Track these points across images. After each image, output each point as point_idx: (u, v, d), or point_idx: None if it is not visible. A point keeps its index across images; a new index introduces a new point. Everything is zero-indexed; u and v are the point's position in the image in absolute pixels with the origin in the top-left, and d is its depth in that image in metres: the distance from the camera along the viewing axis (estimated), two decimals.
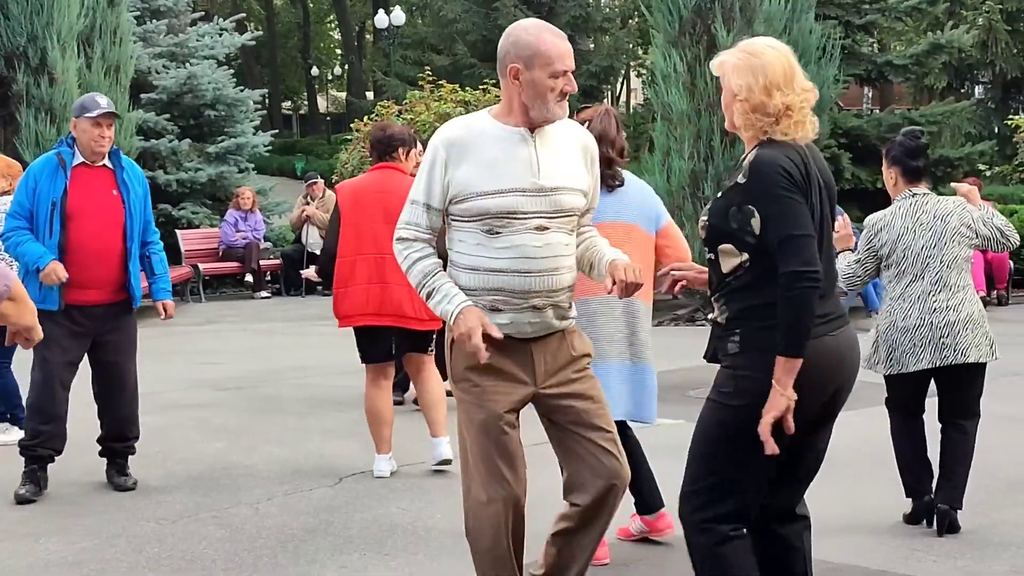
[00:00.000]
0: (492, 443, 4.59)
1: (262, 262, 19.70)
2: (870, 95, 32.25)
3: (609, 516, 4.79)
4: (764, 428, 4.07)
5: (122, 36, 18.31)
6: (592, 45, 38.49)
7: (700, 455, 4.30)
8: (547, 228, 4.50)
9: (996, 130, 26.36)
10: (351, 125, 22.63)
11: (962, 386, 6.67)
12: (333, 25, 66.72)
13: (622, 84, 51.75)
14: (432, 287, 4.53)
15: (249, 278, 19.68)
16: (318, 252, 19.48)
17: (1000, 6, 28.76)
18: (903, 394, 6.86)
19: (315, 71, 64.30)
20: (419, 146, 8.50)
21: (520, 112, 4.51)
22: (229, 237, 19.55)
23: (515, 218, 4.46)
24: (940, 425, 6.77)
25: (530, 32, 4.51)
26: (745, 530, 4.29)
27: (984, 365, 6.66)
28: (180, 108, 20.68)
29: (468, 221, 4.51)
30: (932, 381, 6.77)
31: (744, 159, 4.25)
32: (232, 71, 22.22)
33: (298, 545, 6.48)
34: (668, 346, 10.73)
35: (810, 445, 4.38)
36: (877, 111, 24.85)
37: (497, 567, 4.72)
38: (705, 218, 4.32)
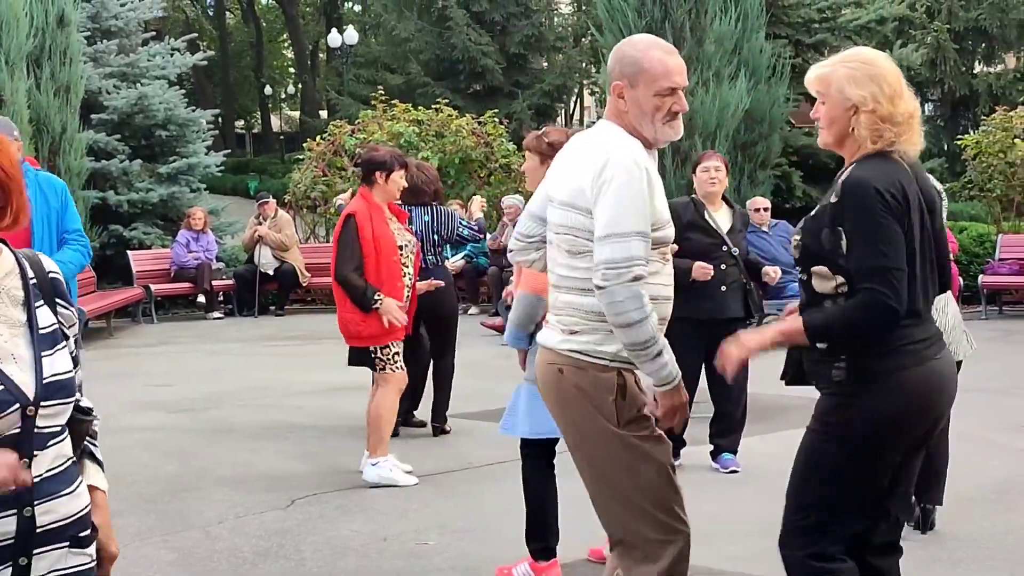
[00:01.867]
0: (674, 485, 4.33)
1: (214, 282, 19.59)
2: None
3: None
4: (733, 352, 4.08)
5: (72, 56, 18.20)
6: (545, 64, 38.61)
7: (807, 488, 4.14)
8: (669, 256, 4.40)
9: (946, 147, 26.60)
10: (304, 144, 22.60)
11: None
12: (286, 44, 66.61)
13: (575, 102, 51.90)
14: (663, 344, 4.12)
15: (201, 299, 19.55)
16: (271, 272, 19.50)
17: (948, 25, 29.07)
18: None
19: (268, 90, 64.19)
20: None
21: (637, 135, 4.25)
22: (181, 258, 19.45)
23: (667, 245, 4.36)
24: None
25: (637, 48, 4.29)
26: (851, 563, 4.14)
27: (961, 363, 6.81)
28: (131, 128, 20.56)
29: (654, 248, 4.22)
30: None
31: (839, 177, 4.07)
32: (184, 91, 22.15)
33: (249, 568, 6.45)
34: None
35: (907, 473, 4.20)
36: None
37: None
38: (798, 238, 4.15)
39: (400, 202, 9.27)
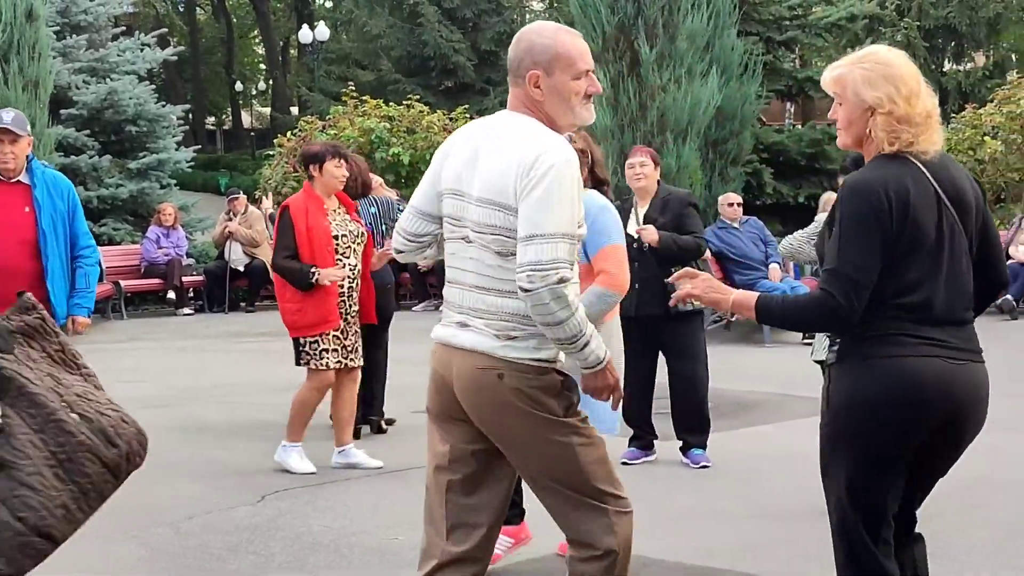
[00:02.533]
0: (610, 464, 4.32)
1: (184, 279, 19.56)
2: (791, 110, 32.50)
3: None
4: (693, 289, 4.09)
5: (41, 51, 18.11)
6: None
7: (833, 477, 4.09)
8: (471, 242, 4.27)
9: None
10: (275, 140, 22.55)
11: None
12: (257, 40, 66.35)
13: None
14: (588, 335, 4.08)
15: (171, 295, 19.52)
16: (241, 268, 19.46)
17: (918, 23, 29.20)
18: None
19: (239, 86, 63.90)
20: (338, 159, 8.42)
21: (549, 124, 4.17)
22: (151, 254, 19.39)
23: (451, 223, 4.31)
24: None
25: (545, 35, 4.20)
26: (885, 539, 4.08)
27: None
28: (101, 124, 20.50)
29: None
30: None
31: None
32: (154, 87, 22.08)
33: (219, 564, 6.43)
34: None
35: (928, 470, 4.14)
36: (798, 126, 25.09)
37: None
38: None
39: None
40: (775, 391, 11.21)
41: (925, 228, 3.86)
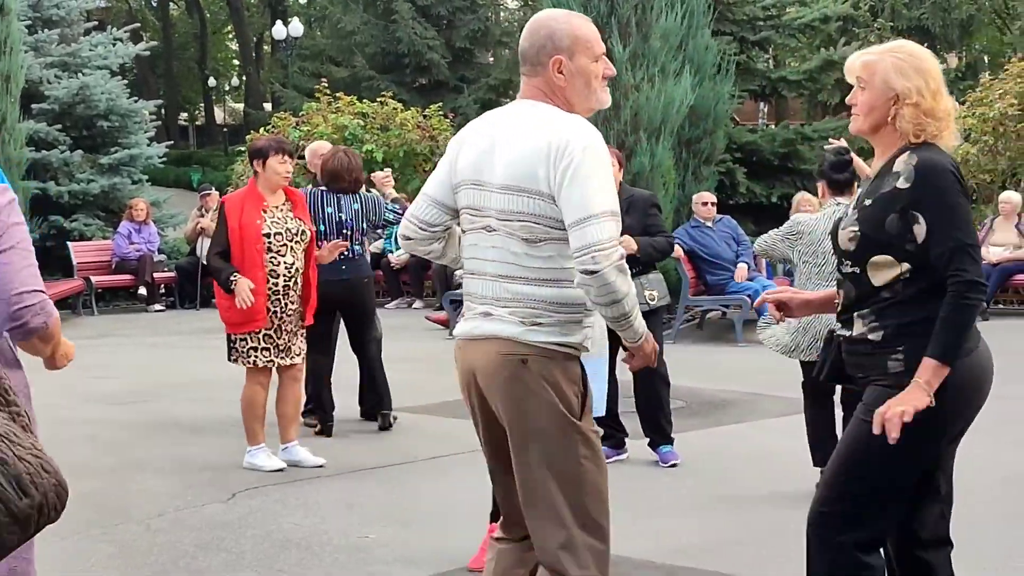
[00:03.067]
0: (605, 487, 4.24)
1: (156, 275, 19.47)
2: (765, 110, 32.60)
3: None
4: (893, 415, 3.85)
5: (12, 45, 18.00)
6: (491, 58, 38.61)
7: (852, 475, 4.07)
8: (495, 230, 4.22)
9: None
10: (247, 136, 22.50)
11: None
12: (230, 36, 66.16)
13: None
14: (639, 310, 4.17)
15: (143, 291, 19.44)
16: None
17: (891, 24, 29.33)
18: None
19: (212, 82, 63.74)
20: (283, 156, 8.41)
21: (569, 111, 4.18)
22: (122, 249, 19.31)
23: (470, 214, 4.28)
24: (843, 411, 7.31)
25: (561, 20, 4.24)
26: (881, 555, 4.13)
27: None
28: (72, 119, 20.37)
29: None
30: None
31: (894, 166, 4.01)
32: (126, 81, 21.98)
33: (189, 562, 6.41)
34: None
35: (947, 462, 4.19)
36: (772, 126, 25.16)
37: None
38: (855, 229, 4.06)
39: (325, 187, 9.44)
40: (748, 390, 11.23)
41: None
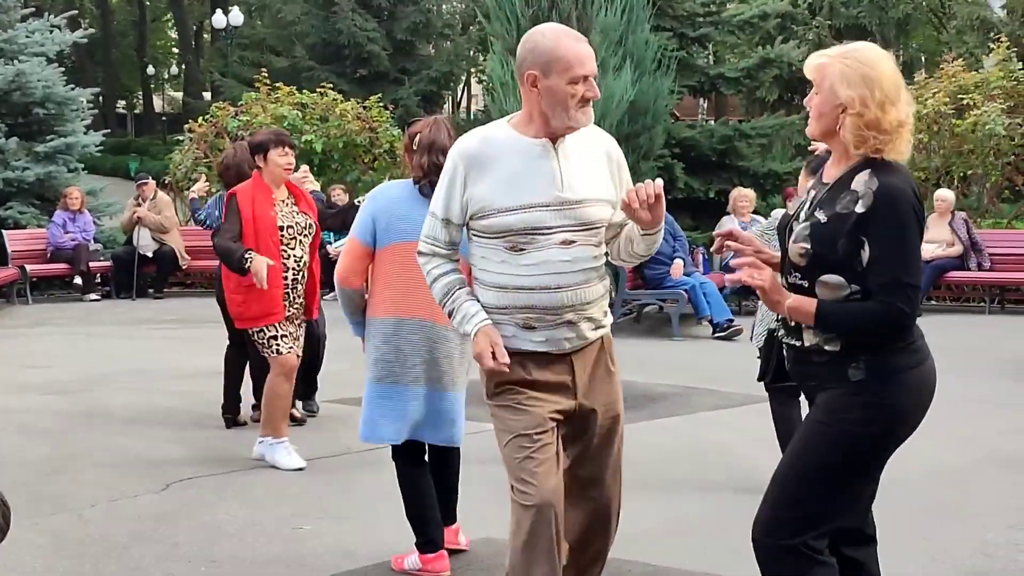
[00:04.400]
0: (524, 452, 4.36)
1: (92, 264, 19.33)
2: (705, 106, 32.81)
3: (599, 544, 4.73)
4: (754, 277, 3.96)
5: None
6: (432, 50, 38.57)
7: (807, 480, 4.01)
8: (573, 242, 4.31)
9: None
10: (186, 125, 22.37)
11: None
12: (170, 24, 65.77)
13: (463, 90, 51.92)
14: (453, 306, 4.44)
15: (78, 280, 19.29)
16: (150, 254, 19.30)
17: (829, 22, 29.56)
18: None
19: (151, 70, 63.37)
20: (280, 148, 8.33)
21: (541, 122, 4.31)
22: (57, 238, 19.17)
23: (540, 234, 4.28)
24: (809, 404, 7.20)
25: (547, 37, 4.30)
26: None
27: None
28: (8, 106, 20.19)
29: (491, 238, 4.33)
30: None
31: (853, 183, 3.91)
32: (63, 69, 21.75)
33: (122, 553, 6.39)
34: None
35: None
36: (711, 122, 25.29)
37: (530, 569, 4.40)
38: (807, 245, 3.97)
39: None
40: (681, 384, 11.31)
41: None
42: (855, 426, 3.93)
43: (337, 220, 9.43)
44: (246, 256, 7.85)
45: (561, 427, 4.47)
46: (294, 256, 8.13)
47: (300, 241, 8.18)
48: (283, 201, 8.17)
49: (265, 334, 8.07)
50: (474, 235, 4.39)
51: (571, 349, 4.41)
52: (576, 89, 4.23)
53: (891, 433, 3.99)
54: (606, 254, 4.52)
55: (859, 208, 3.85)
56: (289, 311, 8.10)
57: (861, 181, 3.88)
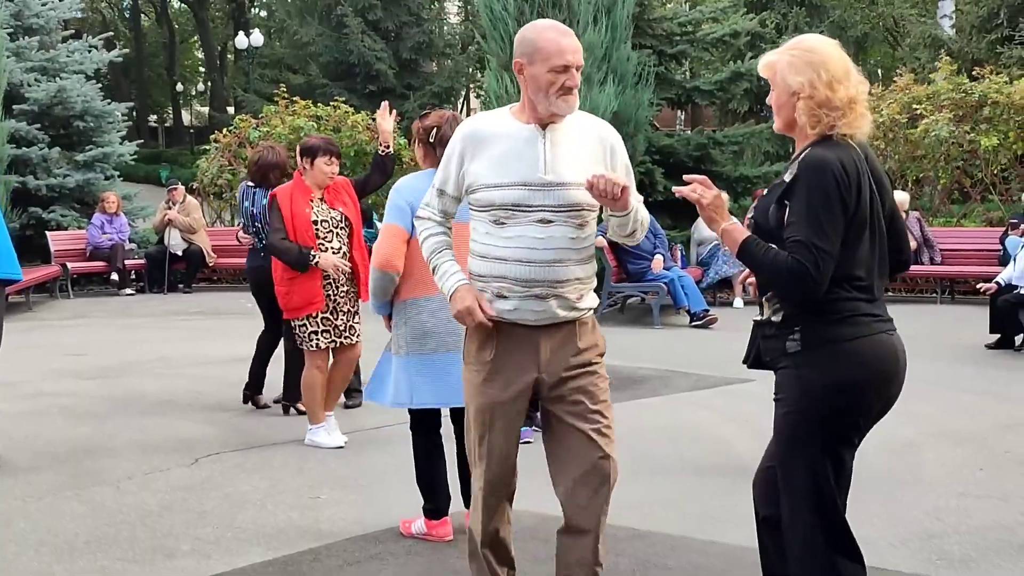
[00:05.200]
0: (484, 427, 4.36)
1: (127, 262, 19.33)
2: (682, 117, 32.78)
3: (595, 510, 4.52)
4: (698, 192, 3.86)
5: None
6: (435, 68, 38.48)
7: (792, 468, 3.88)
8: (551, 221, 4.24)
9: (791, 150, 27.02)
10: (211, 136, 22.34)
11: None
12: (197, 45, 65.63)
13: (463, 104, 51.85)
14: (436, 263, 4.44)
15: (114, 277, 19.28)
16: (179, 253, 19.30)
17: None
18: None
19: (180, 87, 63.27)
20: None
21: (530, 109, 4.29)
22: (96, 238, 19.17)
23: (519, 211, 4.23)
24: None
25: (535, 30, 4.31)
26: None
27: None
28: (51, 119, 20.19)
29: (479, 211, 4.32)
30: None
31: (796, 158, 3.86)
32: (101, 86, 21.71)
33: (155, 520, 6.39)
34: None
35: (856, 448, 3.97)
36: (687, 131, 25.26)
37: (482, 546, 4.55)
38: (751, 216, 3.97)
39: (252, 182, 9.35)
40: (662, 368, 11.32)
41: (865, 208, 3.77)
42: (800, 401, 3.80)
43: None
44: (313, 255, 7.83)
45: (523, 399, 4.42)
46: (331, 248, 8.01)
47: (336, 234, 8.06)
48: (320, 198, 8.08)
49: (307, 328, 7.97)
50: (470, 208, 4.38)
51: (535, 323, 4.31)
52: (556, 77, 4.20)
53: (835, 403, 3.78)
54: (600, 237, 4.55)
55: (787, 176, 3.82)
56: (330, 304, 7.97)
57: (799, 156, 3.83)
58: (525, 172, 4.23)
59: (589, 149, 4.33)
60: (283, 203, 7.99)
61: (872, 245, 3.81)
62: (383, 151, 8.44)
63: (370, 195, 9.43)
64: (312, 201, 8.04)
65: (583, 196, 4.24)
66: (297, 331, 8.06)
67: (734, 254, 3.86)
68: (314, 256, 7.85)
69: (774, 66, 3.90)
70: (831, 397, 3.77)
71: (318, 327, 7.99)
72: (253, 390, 9.50)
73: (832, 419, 3.80)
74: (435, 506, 6.00)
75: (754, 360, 4.08)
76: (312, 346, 8.02)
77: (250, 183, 9.45)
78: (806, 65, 3.81)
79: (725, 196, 4.03)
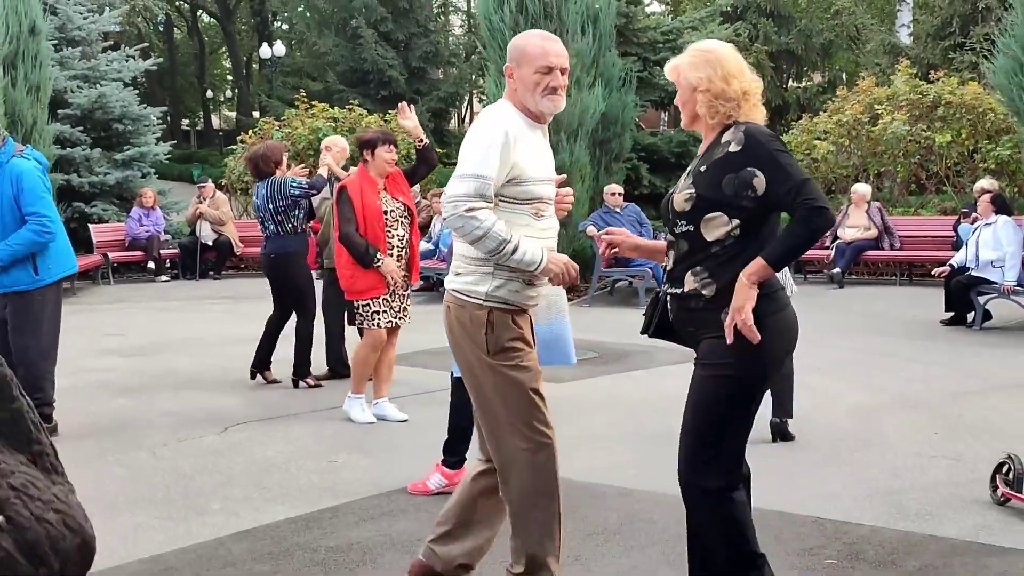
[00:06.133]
0: (537, 405, 4.17)
1: (162, 251, 19.32)
2: (665, 117, 32.68)
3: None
4: (741, 314, 3.67)
5: (42, 61, 17.73)
6: (441, 75, 38.42)
7: (709, 428, 3.83)
8: (551, 213, 4.27)
9: None
10: (238, 138, 22.31)
11: None
12: (225, 55, 65.44)
13: (467, 108, 51.76)
14: (517, 241, 4.02)
15: (151, 265, 19.27)
16: (210, 243, 19.29)
17: (765, 48, 29.52)
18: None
19: (209, 93, 63.09)
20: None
21: (524, 109, 4.19)
22: (134, 230, 19.15)
23: (547, 203, 4.21)
24: None
25: (523, 37, 4.27)
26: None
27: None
28: (92, 122, 20.16)
29: (520, 203, 4.12)
30: None
31: (723, 138, 3.80)
32: (137, 92, 21.69)
33: (188, 482, 6.40)
34: None
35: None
36: (670, 131, 25.23)
37: (550, 505, 4.22)
38: (691, 191, 3.81)
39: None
40: (647, 344, 11.29)
41: None
42: (730, 369, 3.75)
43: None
44: (377, 259, 7.70)
45: None
46: (397, 236, 7.90)
47: (401, 222, 7.94)
48: (384, 189, 7.94)
49: (370, 308, 7.83)
50: (500, 201, 4.11)
51: (533, 305, 4.30)
52: (542, 78, 4.15)
53: (761, 373, 3.80)
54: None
55: (734, 148, 3.75)
56: (390, 286, 7.84)
57: (728, 134, 3.80)
58: (549, 168, 4.24)
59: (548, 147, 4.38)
60: (353, 195, 7.82)
61: (775, 224, 3.85)
62: (419, 145, 8.30)
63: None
64: (380, 192, 7.88)
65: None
66: (360, 311, 7.85)
67: (771, 274, 3.75)
68: (379, 260, 7.70)
69: (678, 68, 3.93)
70: (764, 364, 3.78)
71: (380, 307, 7.84)
72: (260, 367, 9.42)
73: (760, 383, 3.83)
74: (461, 457, 6.02)
75: (656, 330, 4.05)
76: (374, 325, 7.84)
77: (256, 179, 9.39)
78: (704, 63, 3.85)
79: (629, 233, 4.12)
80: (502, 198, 4.10)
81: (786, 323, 3.83)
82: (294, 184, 9.11)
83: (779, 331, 3.79)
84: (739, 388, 3.79)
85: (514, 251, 4.04)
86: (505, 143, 4.04)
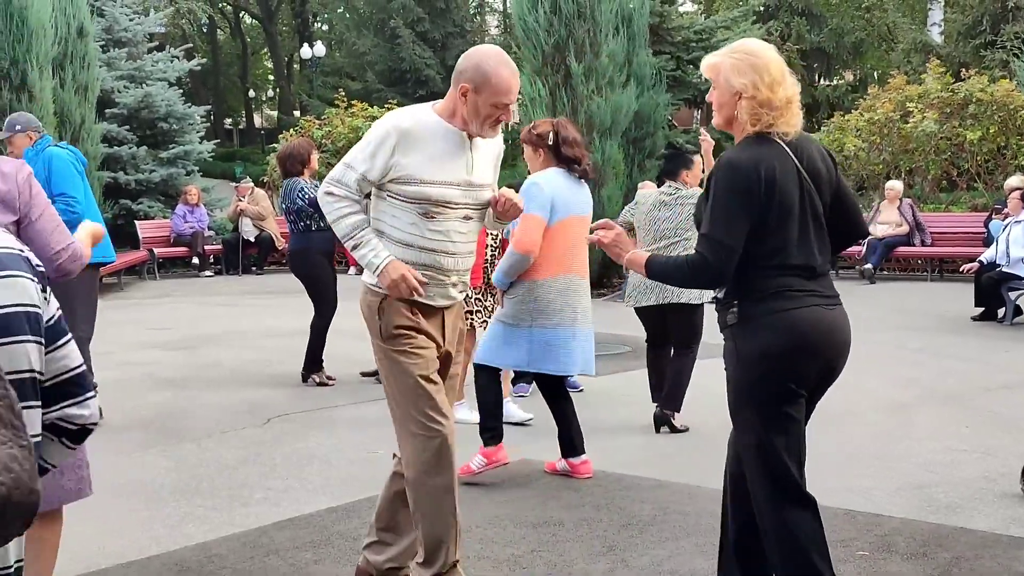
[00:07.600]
0: (425, 392, 4.16)
1: (206, 247, 19.44)
2: (698, 116, 32.55)
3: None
4: (615, 247, 3.82)
5: (89, 61, 17.87)
6: None
7: (743, 430, 3.77)
8: (471, 218, 4.24)
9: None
10: (280, 136, 22.40)
11: (683, 320, 7.37)
12: (266, 56, 65.71)
13: None
14: (361, 239, 4.10)
15: (195, 260, 19.40)
16: (252, 239, 19.38)
17: (797, 47, 29.33)
18: (647, 326, 7.67)
19: (252, 93, 63.33)
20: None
21: (460, 120, 4.14)
22: (179, 227, 19.28)
23: (448, 207, 4.15)
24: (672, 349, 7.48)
25: (490, 62, 4.13)
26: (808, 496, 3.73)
27: (701, 305, 7.31)
28: (138, 121, 20.30)
29: (407, 201, 4.10)
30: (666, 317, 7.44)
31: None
32: (182, 91, 21.82)
33: (232, 472, 6.43)
34: None
35: (807, 416, 3.80)
36: (703, 129, 25.12)
37: (444, 494, 4.20)
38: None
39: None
40: None
41: (791, 199, 3.63)
42: (736, 370, 3.70)
43: None
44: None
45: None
46: (490, 234, 7.83)
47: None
48: None
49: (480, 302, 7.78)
50: (389, 196, 4.13)
51: (445, 305, 4.29)
52: (496, 112, 4.13)
53: (761, 373, 3.64)
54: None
55: (711, 174, 3.72)
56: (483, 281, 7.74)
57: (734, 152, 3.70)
58: (456, 173, 4.16)
59: (492, 156, 4.35)
60: None
61: (804, 229, 3.67)
62: None
63: None
64: None
65: (489, 195, 4.30)
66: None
67: (646, 276, 3.86)
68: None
69: (718, 67, 3.76)
70: (758, 363, 3.63)
71: (473, 307, 7.73)
72: (309, 369, 9.17)
73: (760, 384, 3.66)
74: (496, 433, 6.11)
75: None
76: (467, 325, 7.56)
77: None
78: (749, 68, 3.67)
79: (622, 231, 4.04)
80: (389, 193, 4.14)
81: (793, 323, 3.64)
82: (302, 194, 9.01)
83: (779, 330, 3.62)
84: (740, 388, 3.72)
85: (355, 248, 4.14)
86: (385, 143, 4.08)
